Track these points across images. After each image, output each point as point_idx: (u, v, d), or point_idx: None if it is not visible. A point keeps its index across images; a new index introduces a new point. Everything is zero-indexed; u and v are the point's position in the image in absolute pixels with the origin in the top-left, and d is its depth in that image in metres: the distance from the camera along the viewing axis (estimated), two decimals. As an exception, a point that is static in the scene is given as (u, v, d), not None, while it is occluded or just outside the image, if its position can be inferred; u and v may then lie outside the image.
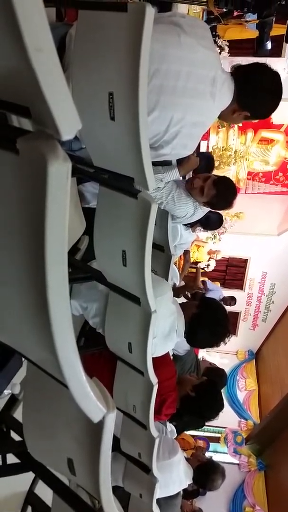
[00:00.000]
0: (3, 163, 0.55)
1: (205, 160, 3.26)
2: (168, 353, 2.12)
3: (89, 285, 1.77)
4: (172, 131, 1.52)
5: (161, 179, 2.11)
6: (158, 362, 1.63)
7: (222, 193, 2.34)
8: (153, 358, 1.59)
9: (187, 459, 2.62)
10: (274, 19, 2.80)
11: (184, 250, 3.53)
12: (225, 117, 1.74)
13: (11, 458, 1.25)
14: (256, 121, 6.32)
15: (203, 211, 2.37)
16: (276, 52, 6.06)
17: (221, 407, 2.26)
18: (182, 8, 3.72)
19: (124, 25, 0.97)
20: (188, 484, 2.56)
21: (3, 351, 1.47)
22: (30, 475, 1.25)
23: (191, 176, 2.58)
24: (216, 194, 2.31)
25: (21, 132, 0.54)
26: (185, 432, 6.19)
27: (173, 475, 2.38)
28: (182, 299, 3.58)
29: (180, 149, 1.64)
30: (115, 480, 2.29)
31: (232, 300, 6.83)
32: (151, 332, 1.48)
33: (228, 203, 2.50)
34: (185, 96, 1.47)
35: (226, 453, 7.97)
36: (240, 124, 6.42)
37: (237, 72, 1.64)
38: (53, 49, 0.48)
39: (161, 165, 2.13)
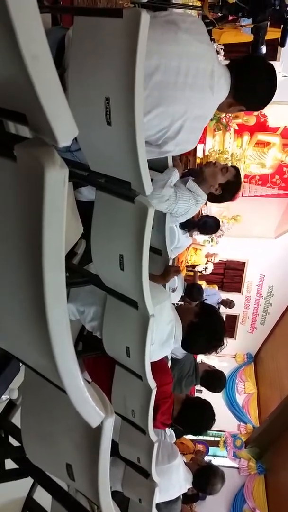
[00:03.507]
0: (0, 169, 0.55)
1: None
2: (164, 359, 2.13)
3: (86, 289, 1.77)
4: (175, 125, 1.55)
5: (170, 184, 2.13)
6: (154, 367, 1.63)
7: (239, 176, 2.42)
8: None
9: (186, 464, 2.61)
10: (268, 23, 2.82)
11: None
12: (221, 109, 1.78)
13: (10, 464, 1.25)
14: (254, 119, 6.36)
15: (202, 200, 2.37)
16: (271, 55, 6.08)
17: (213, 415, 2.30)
18: (177, 12, 3.74)
19: (120, 31, 0.98)
20: (188, 489, 2.55)
21: (0, 357, 1.46)
22: (28, 481, 1.25)
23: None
24: (236, 174, 2.38)
25: (18, 139, 0.54)
26: (184, 436, 6.17)
27: (172, 480, 2.37)
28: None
29: (183, 144, 1.66)
30: (114, 485, 2.28)
31: (231, 303, 6.84)
32: (149, 336, 1.48)
33: (239, 185, 2.53)
34: (186, 90, 1.49)
35: (226, 457, 7.94)
36: (237, 127, 6.45)
37: (233, 65, 1.67)
38: (49, 56, 0.48)
39: (157, 170, 2.14)
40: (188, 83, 1.48)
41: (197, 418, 2.24)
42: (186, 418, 2.20)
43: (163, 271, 2.24)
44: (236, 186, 2.47)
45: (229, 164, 2.48)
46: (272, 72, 1.69)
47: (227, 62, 1.67)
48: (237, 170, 2.40)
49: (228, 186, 2.37)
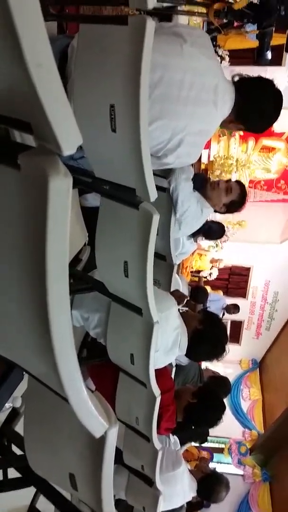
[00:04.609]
0: (4, 178, 0.54)
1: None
2: (166, 366, 2.11)
3: (91, 296, 1.76)
4: (175, 139, 1.53)
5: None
6: (156, 374, 1.61)
7: (244, 192, 2.42)
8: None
9: (190, 471, 2.58)
10: (273, 29, 2.82)
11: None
12: (222, 125, 1.77)
13: (12, 472, 1.24)
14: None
15: (207, 211, 2.37)
16: (276, 61, 6.08)
17: (224, 406, 2.26)
18: (182, 19, 3.75)
19: (125, 38, 0.98)
20: (192, 497, 2.52)
21: (4, 365, 1.46)
22: (31, 490, 1.24)
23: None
24: (241, 193, 2.37)
25: (23, 147, 0.54)
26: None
27: (177, 488, 2.35)
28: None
29: (184, 157, 1.65)
30: (118, 493, 2.26)
31: (235, 308, 6.81)
32: (154, 343, 1.47)
33: (244, 202, 2.53)
34: (188, 104, 1.47)
35: (230, 464, 7.87)
36: (242, 133, 6.45)
37: (240, 84, 1.65)
38: (53, 64, 0.48)
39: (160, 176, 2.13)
40: (191, 97, 1.47)
41: (204, 413, 2.19)
42: (193, 417, 2.16)
43: None
44: (240, 205, 2.48)
45: (234, 179, 2.44)
46: (278, 99, 1.68)
47: (232, 68, 1.65)
48: (241, 187, 2.38)
49: (232, 205, 2.38)
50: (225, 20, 2.75)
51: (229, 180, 2.40)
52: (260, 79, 1.70)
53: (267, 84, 1.69)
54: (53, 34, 1.89)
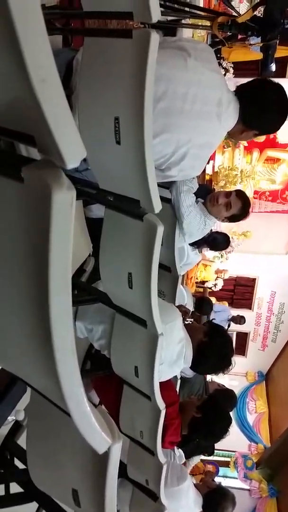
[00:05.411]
0: (7, 191, 0.54)
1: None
2: (170, 379, 2.09)
3: (95, 307, 1.75)
4: (179, 152, 1.54)
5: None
6: (160, 387, 1.59)
7: (246, 203, 2.40)
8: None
9: (195, 485, 2.54)
10: (277, 41, 2.84)
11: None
12: (234, 136, 1.78)
13: (15, 487, 1.22)
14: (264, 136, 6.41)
15: (211, 222, 2.36)
16: (281, 73, 6.15)
17: (230, 419, 2.22)
18: (187, 32, 3.79)
19: (129, 51, 0.99)
20: (197, 512, 2.48)
21: (7, 378, 1.45)
22: (33, 505, 1.22)
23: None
24: (242, 206, 2.35)
25: (26, 160, 0.54)
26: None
27: (181, 503, 2.31)
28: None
29: (188, 170, 1.65)
30: (122, 508, 2.23)
31: (241, 319, 6.77)
32: (158, 355, 1.45)
33: (247, 213, 2.51)
34: (192, 117, 1.48)
35: (236, 478, 7.75)
36: (246, 144, 6.48)
37: (241, 91, 1.65)
38: (57, 79, 0.48)
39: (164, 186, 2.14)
40: (195, 110, 1.47)
41: (210, 426, 2.15)
42: (198, 430, 2.13)
43: None
44: (243, 217, 2.46)
45: (233, 191, 2.39)
46: (280, 92, 1.67)
47: (236, 80, 1.66)
48: (243, 199, 2.35)
49: (234, 218, 2.38)
50: (229, 33, 2.77)
51: (229, 194, 2.36)
52: (257, 80, 1.71)
53: (265, 82, 1.70)
54: (58, 47, 1.91)
